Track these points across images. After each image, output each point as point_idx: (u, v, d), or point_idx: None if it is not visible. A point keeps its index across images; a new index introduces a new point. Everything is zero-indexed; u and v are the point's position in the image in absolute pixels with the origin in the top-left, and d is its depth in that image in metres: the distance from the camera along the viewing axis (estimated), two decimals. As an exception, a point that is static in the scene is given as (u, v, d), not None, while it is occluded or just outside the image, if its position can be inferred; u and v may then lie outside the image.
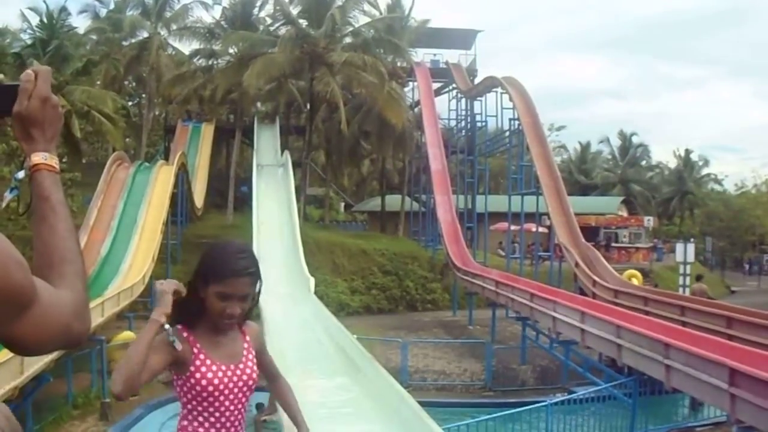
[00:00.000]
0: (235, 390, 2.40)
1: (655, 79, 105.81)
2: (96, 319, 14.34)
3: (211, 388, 2.36)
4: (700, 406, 12.75)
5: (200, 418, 2.39)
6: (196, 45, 32.68)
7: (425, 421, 6.83)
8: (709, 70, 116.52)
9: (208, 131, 34.29)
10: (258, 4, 32.43)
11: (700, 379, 9.17)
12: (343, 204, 48.73)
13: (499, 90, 26.90)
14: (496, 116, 28.62)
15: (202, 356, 2.38)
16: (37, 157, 1.25)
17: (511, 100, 24.87)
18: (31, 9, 29.36)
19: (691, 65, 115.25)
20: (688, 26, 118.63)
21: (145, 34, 32.53)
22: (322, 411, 8.80)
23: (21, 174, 1.28)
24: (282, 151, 28.30)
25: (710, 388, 8.94)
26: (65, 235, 1.22)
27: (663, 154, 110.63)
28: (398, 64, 32.33)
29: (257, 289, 2.38)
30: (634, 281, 20.74)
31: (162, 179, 22.98)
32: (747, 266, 43.22)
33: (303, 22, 29.58)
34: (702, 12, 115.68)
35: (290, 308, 15.63)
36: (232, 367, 2.41)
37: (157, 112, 38.74)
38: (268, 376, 2.71)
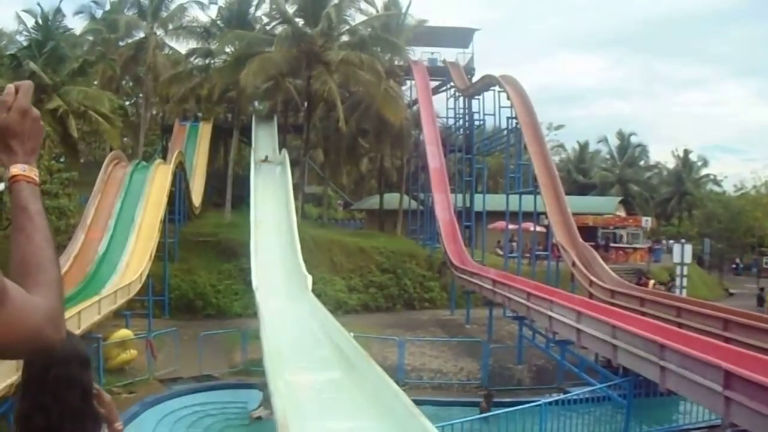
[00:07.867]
0: None
1: (655, 79, 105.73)
2: (93, 317, 14.37)
3: None
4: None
5: None
6: (192, 44, 32.76)
7: (418, 419, 6.84)
8: (710, 71, 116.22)
9: (205, 130, 34.32)
10: (254, 3, 32.40)
11: (695, 381, 9.16)
12: (341, 202, 48.74)
13: (497, 88, 26.84)
14: (494, 115, 28.57)
15: None
16: (16, 169, 1.27)
17: (509, 98, 24.85)
18: (26, 11, 29.33)
19: (691, 65, 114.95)
20: (688, 26, 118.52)
21: (142, 34, 32.48)
22: (316, 406, 8.83)
23: (1, 186, 1.29)
24: (280, 150, 28.28)
25: (705, 390, 8.93)
26: (42, 244, 1.24)
27: (662, 155, 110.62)
28: (396, 62, 32.32)
29: None
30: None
31: (159, 178, 23.01)
32: (734, 266, 42.62)
33: (299, 21, 29.57)
34: (703, 12, 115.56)
35: (287, 305, 15.65)
36: None
37: (154, 112, 38.72)
38: None
